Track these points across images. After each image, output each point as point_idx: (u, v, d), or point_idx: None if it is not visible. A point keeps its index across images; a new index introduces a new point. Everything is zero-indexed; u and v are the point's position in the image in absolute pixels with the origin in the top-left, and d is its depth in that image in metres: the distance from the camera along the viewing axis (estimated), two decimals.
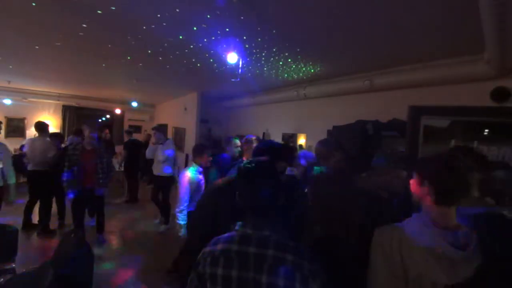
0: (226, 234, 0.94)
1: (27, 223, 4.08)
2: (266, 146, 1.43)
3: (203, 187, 2.81)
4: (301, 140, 5.43)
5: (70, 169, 3.44)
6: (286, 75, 4.36)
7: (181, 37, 2.90)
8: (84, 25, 2.75)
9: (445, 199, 0.94)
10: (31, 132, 8.42)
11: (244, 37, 2.82)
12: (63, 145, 4.61)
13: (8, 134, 8.19)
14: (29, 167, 4.04)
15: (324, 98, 4.73)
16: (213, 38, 2.86)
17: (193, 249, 1.20)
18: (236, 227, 0.93)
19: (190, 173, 2.74)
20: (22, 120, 8.42)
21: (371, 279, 0.98)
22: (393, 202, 1.40)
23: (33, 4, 2.31)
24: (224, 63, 3.58)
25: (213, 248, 0.91)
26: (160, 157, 4.40)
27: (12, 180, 3.38)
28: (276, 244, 0.86)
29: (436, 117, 2.05)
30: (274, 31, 2.64)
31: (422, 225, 0.94)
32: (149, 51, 3.48)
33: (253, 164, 0.99)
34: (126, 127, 9.75)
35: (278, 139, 5.94)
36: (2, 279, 2.16)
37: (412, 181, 1.05)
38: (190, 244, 1.36)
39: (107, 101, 9.02)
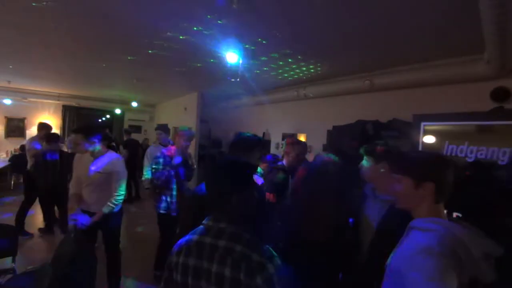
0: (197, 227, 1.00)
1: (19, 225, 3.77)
2: (237, 139, 1.42)
3: None
4: None
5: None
6: (286, 75, 4.36)
7: (181, 37, 2.90)
8: (85, 26, 2.75)
9: (445, 195, 0.94)
10: (31, 132, 8.43)
11: (245, 37, 2.82)
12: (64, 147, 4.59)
13: (8, 134, 8.20)
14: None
15: (324, 98, 4.72)
16: (213, 38, 2.86)
17: None
18: (204, 221, 0.98)
19: None
20: (22, 120, 8.42)
21: None
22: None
23: (33, 4, 2.31)
24: (224, 63, 3.58)
25: (182, 240, 0.98)
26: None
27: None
28: (230, 236, 0.89)
29: (435, 123, 2.19)
30: (274, 31, 2.64)
31: (449, 225, 0.88)
32: (149, 51, 3.48)
33: (217, 159, 1.06)
34: (126, 127, 9.76)
35: (278, 139, 5.94)
36: (2, 279, 2.16)
37: (401, 185, 0.99)
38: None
39: (107, 101, 9.01)
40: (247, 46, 3.06)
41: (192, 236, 0.95)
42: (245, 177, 1.01)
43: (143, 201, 6.08)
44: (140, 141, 7.65)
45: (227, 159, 1.11)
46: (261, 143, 1.58)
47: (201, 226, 0.97)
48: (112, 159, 2.33)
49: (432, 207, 0.94)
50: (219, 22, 2.47)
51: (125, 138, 6.51)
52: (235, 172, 1.00)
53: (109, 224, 2.31)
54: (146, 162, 4.01)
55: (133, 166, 6.07)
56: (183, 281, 0.90)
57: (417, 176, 0.95)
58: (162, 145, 3.96)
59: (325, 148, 4.39)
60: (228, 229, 0.91)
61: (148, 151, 4.10)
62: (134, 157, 6.08)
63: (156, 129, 4.11)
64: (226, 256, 0.85)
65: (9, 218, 4.51)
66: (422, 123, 2.23)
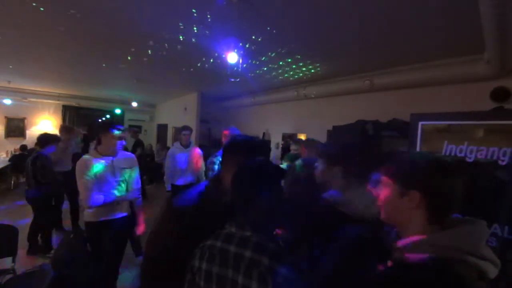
0: (219, 231, 0.95)
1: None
2: (241, 141, 1.23)
3: None
4: None
5: None
6: (286, 75, 4.36)
7: (181, 37, 2.90)
8: (85, 26, 2.75)
9: (443, 212, 0.73)
10: (31, 132, 8.42)
11: (245, 37, 2.82)
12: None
13: (8, 134, 8.20)
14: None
15: (324, 98, 4.73)
16: (213, 38, 2.86)
17: None
18: (226, 225, 0.95)
19: None
20: (22, 120, 8.41)
21: None
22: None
23: (34, 4, 2.31)
24: (224, 63, 3.58)
25: (205, 243, 0.93)
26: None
27: None
28: (255, 246, 0.85)
29: (434, 122, 2.21)
30: (274, 31, 2.64)
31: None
32: (149, 52, 3.48)
33: (250, 164, 0.99)
34: (126, 127, 9.75)
35: (278, 139, 5.95)
36: (2, 279, 2.16)
37: (386, 190, 0.82)
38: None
39: (107, 101, 9.01)
40: (247, 46, 3.06)
41: (214, 242, 0.91)
42: (274, 182, 0.96)
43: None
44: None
45: (256, 161, 1.03)
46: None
47: (224, 232, 0.93)
48: (127, 154, 2.34)
49: (427, 229, 0.72)
50: (219, 23, 2.47)
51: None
52: (264, 176, 0.95)
53: (115, 229, 2.18)
54: (168, 165, 3.73)
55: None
56: (206, 287, 0.88)
57: (402, 181, 0.77)
58: (183, 145, 3.75)
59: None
60: (253, 238, 0.87)
61: (170, 153, 3.77)
62: (138, 157, 6.10)
63: (185, 129, 3.77)
64: (253, 268, 0.82)
65: (6, 211, 4.55)
66: (420, 123, 2.23)
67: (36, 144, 3.63)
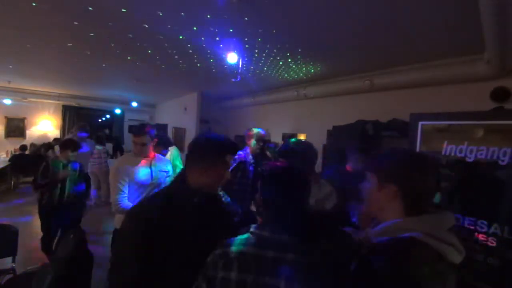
0: (239, 236, 0.90)
1: None
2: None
3: None
4: None
5: None
6: (286, 75, 4.36)
7: (181, 37, 2.90)
8: (85, 25, 2.75)
9: (418, 204, 0.78)
10: (31, 132, 8.43)
11: (245, 37, 2.82)
12: None
13: (8, 134, 8.20)
14: None
15: (324, 98, 4.72)
16: (213, 38, 2.86)
17: None
18: (252, 229, 0.90)
19: None
20: (22, 120, 8.42)
21: None
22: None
23: (33, 4, 2.31)
24: (224, 63, 3.58)
25: (226, 250, 0.86)
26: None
27: None
28: (296, 248, 0.83)
29: (433, 122, 2.21)
30: (274, 31, 2.64)
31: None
32: (149, 51, 3.47)
33: (285, 169, 1.01)
34: (126, 127, 9.77)
35: (278, 139, 5.94)
36: (2, 279, 2.16)
37: (368, 183, 0.88)
38: None
39: (107, 101, 9.01)
40: (247, 46, 3.06)
41: (242, 247, 0.85)
42: (309, 187, 0.98)
43: None
44: None
45: (296, 169, 1.02)
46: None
47: (249, 236, 0.88)
48: (163, 157, 2.26)
49: (401, 219, 0.79)
50: (219, 23, 2.47)
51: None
52: (303, 182, 0.96)
53: None
54: None
55: None
56: None
57: (381, 175, 0.84)
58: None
59: (325, 148, 4.39)
60: (292, 241, 0.84)
61: None
62: None
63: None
64: (296, 270, 0.80)
65: (6, 211, 4.55)
66: (420, 123, 2.23)
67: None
